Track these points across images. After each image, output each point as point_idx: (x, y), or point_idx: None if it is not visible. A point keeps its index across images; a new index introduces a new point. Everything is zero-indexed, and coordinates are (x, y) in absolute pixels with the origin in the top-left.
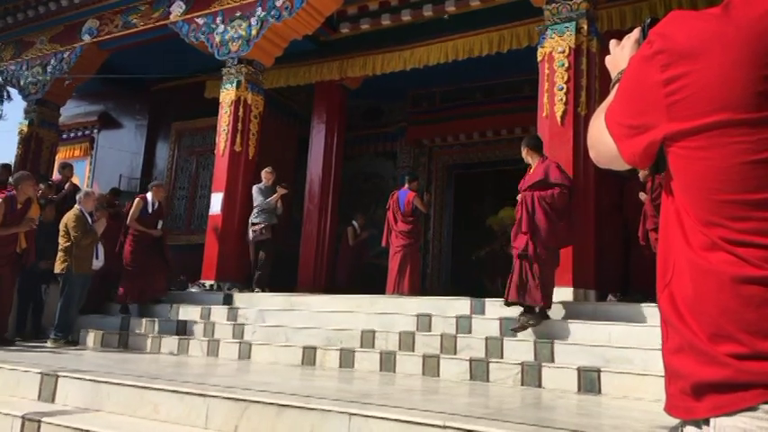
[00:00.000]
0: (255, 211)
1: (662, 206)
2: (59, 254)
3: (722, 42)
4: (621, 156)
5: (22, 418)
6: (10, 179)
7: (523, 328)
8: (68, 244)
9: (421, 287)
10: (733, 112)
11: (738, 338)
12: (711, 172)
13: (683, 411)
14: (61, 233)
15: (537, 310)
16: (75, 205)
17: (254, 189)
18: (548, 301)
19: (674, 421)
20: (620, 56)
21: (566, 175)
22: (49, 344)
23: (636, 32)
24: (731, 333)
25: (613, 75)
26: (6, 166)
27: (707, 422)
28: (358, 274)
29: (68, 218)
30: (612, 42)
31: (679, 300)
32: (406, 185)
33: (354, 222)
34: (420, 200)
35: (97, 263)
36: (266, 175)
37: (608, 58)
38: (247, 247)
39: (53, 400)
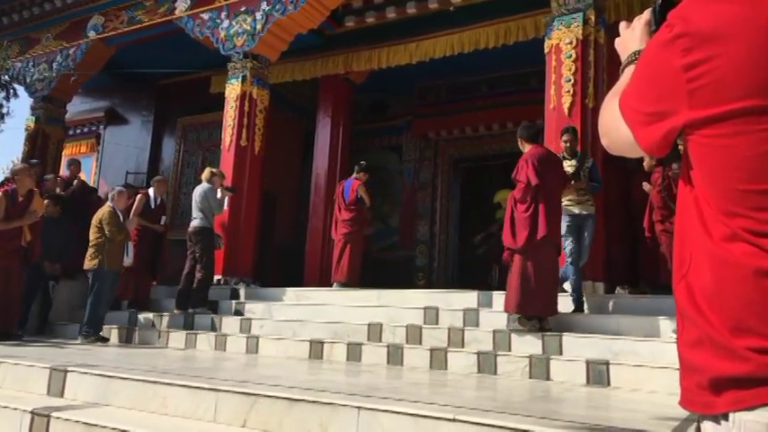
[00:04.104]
0: (210, 214)
1: (679, 195)
2: (90, 250)
3: (748, 25)
4: (638, 143)
5: (32, 412)
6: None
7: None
8: (101, 240)
9: (427, 280)
10: (759, 98)
11: (760, 332)
12: (735, 161)
13: (699, 406)
14: (93, 229)
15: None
16: (107, 203)
17: (214, 191)
18: (520, 308)
19: (685, 413)
20: (630, 38)
21: (532, 168)
22: (79, 341)
23: (646, 14)
24: (753, 326)
25: (623, 57)
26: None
27: (726, 417)
28: (365, 268)
29: (102, 214)
30: (622, 24)
31: (697, 291)
32: (354, 174)
33: None
34: (365, 189)
35: (127, 260)
36: (222, 180)
37: (617, 41)
38: (255, 240)
39: (62, 395)
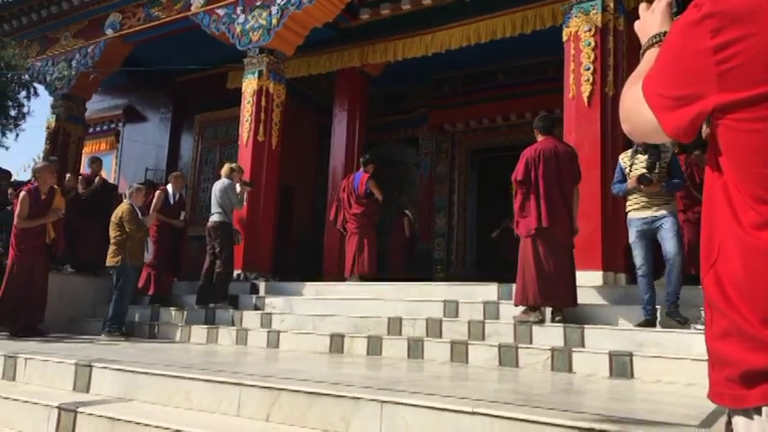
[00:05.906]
0: (229, 209)
1: (706, 182)
2: (111, 248)
3: None
4: (663, 129)
5: (59, 408)
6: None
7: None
8: (122, 237)
9: (446, 273)
10: None
11: None
12: (766, 145)
13: (729, 400)
14: (113, 227)
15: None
16: (126, 200)
17: (234, 186)
18: (524, 300)
19: (712, 406)
20: (650, 20)
21: (522, 164)
22: (103, 336)
23: None
24: None
25: (643, 41)
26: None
27: (758, 411)
28: (413, 262)
29: (122, 212)
30: (642, 6)
31: (726, 281)
32: (362, 168)
33: (407, 212)
34: (375, 183)
35: (147, 255)
36: (240, 175)
37: (637, 24)
38: (273, 235)
39: (88, 390)
